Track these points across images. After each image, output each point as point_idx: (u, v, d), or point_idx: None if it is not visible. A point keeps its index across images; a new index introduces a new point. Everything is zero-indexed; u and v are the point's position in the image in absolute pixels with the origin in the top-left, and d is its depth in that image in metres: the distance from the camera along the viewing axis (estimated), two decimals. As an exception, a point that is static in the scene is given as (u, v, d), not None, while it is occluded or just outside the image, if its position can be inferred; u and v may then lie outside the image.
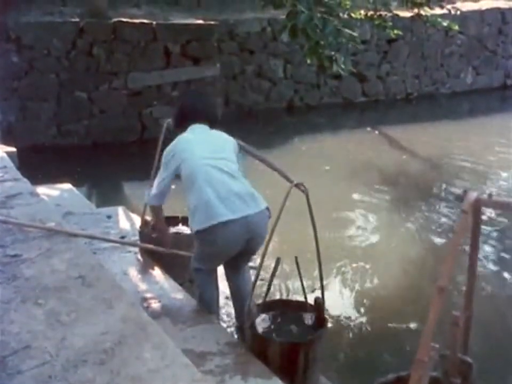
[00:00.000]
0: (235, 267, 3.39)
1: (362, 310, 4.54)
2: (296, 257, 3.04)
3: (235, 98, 9.67)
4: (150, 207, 3.50)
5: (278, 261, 2.96)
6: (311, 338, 2.92)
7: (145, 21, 8.45)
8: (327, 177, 7.21)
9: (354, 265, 5.19)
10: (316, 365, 2.93)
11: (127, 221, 4.80)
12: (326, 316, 3.12)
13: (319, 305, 3.06)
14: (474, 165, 7.83)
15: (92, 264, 2.92)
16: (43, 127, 8.01)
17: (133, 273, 3.86)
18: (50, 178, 5.57)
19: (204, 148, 3.14)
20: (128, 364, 2.06)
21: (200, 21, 8.80)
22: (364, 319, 4.40)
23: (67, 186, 5.44)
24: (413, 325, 4.23)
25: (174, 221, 4.25)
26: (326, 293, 4.70)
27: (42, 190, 4.64)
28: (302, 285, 3.10)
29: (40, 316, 2.39)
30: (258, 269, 2.95)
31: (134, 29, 8.22)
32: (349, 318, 4.41)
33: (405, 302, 4.56)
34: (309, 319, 3.11)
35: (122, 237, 4.35)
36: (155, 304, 3.41)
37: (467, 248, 2.26)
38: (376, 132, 9.52)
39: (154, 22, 8.41)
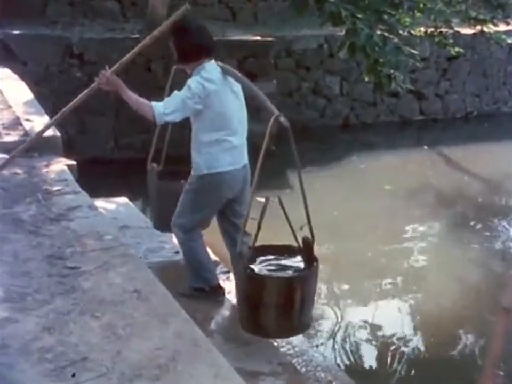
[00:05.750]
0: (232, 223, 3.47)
1: (414, 333, 4.47)
2: (279, 197, 2.99)
3: (290, 114, 9.46)
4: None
5: (267, 200, 2.92)
6: (306, 273, 2.97)
7: (203, 37, 8.56)
8: (387, 196, 7.12)
9: (408, 287, 5.15)
10: (311, 301, 2.99)
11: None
12: (316, 255, 3.07)
13: (308, 244, 3.04)
14: (538, 187, 7.63)
15: (147, 279, 2.94)
16: (101, 141, 8.18)
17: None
18: (107, 191, 5.68)
19: (237, 113, 3.35)
20: (182, 380, 2.08)
21: (258, 37, 8.86)
22: (416, 343, 4.34)
23: (123, 200, 5.52)
24: (467, 354, 4.16)
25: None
26: (378, 312, 4.61)
27: (99, 203, 4.70)
28: (290, 224, 3.04)
29: (97, 328, 2.42)
30: (249, 205, 2.93)
31: (192, 45, 8.34)
32: (400, 340, 4.35)
33: (461, 328, 4.47)
34: (299, 258, 3.10)
35: (176, 252, 4.34)
36: (208, 322, 3.42)
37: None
38: (434, 151, 9.35)
39: (212, 38, 8.51)
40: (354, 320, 4.69)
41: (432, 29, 8.43)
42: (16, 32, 7.73)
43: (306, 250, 3.06)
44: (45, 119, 5.11)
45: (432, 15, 7.81)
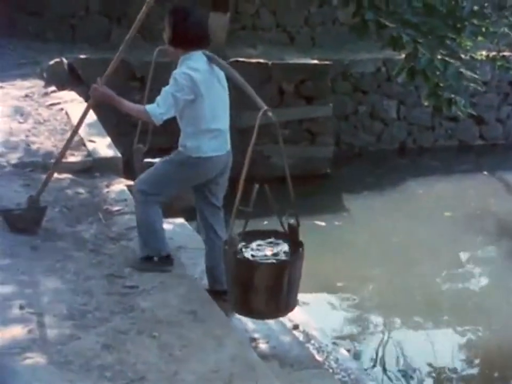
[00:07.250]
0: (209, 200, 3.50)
1: (471, 364, 4.43)
2: (264, 184, 2.97)
3: (346, 138, 9.59)
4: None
5: (255, 188, 2.93)
6: (293, 259, 3.06)
7: (261, 60, 8.63)
8: (446, 223, 6.94)
9: (466, 316, 5.05)
10: (297, 284, 3.08)
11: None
12: (301, 240, 3.12)
13: (294, 229, 3.13)
14: None
15: (203, 300, 2.97)
16: (157, 162, 8.31)
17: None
18: (164, 212, 5.74)
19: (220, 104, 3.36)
20: (237, 404, 2.07)
21: (315, 61, 8.86)
22: (472, 375, 4.33)
23: (180, 220, 5.47)
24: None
25: None
26: (434, 341, 4.47)
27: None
28: (276, 211, 3.07)
29: (154, 348, 2.45)
30: (239, 193, 2.93)
31: (250, 68, 8.39)
32: (456, 369, 4.30)
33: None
34: (285, 244, 3.16)
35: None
36: (263, 345, 3.36)
37: None
38: (494, 177, 9.09)
39: (270, 62, 8.57)
40: (411, 348, 4.61)
41: (494, 53, 8.19)
42: (82, 56, 8.01)
43: (292, 236, 3.14)
44: (107, 140, 5.24)
45: (495, 38, 7.59)
